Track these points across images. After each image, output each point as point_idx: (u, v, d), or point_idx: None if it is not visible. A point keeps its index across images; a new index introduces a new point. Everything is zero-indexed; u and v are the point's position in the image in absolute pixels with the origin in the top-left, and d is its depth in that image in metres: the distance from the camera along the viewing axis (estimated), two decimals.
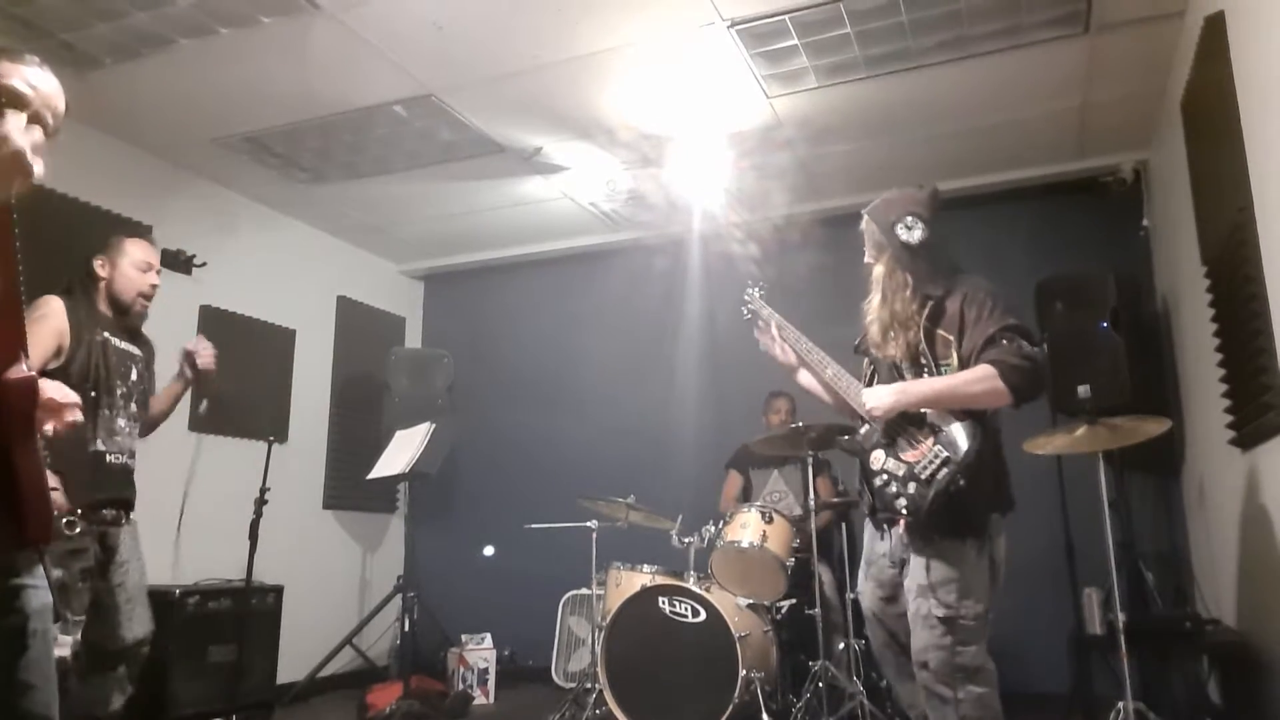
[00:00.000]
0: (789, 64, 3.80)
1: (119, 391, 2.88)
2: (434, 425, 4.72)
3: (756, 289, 3.10)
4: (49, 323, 2.68)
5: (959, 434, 2.37)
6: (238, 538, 3.75)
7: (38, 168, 1.29)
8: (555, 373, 5.96)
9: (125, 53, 3.68)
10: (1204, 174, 3.39)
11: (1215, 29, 2.92)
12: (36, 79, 1.55)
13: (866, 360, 2.73)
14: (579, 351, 5.92)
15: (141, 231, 4.49)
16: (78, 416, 1.63)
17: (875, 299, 2.59)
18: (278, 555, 4.47)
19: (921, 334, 2.48)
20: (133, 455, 2.93)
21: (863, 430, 2.58)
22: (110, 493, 2.82)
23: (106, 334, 2.85)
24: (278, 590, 4.64)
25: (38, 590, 1.55)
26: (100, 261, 2.91)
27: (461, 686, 4.98)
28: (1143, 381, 3.99)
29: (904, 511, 2.39)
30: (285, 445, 5.09)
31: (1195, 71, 3.32)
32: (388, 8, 3.39)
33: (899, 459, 2.45)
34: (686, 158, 4.64)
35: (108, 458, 2.81)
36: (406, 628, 4.64)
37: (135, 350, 2.99)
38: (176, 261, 4.65)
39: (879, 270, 2.59)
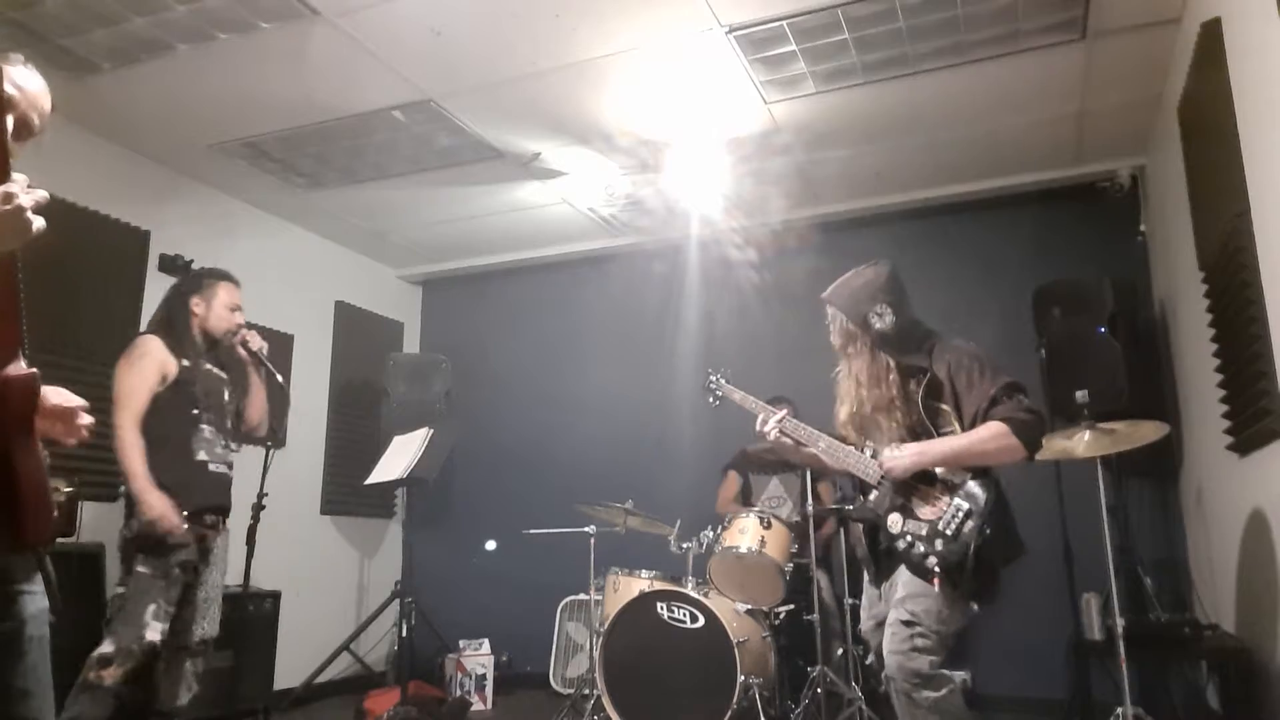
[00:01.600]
0: (787, 70, 3.81)
1: (214, 410, 3.27)
2: (432, 430, 4.71)
3: (720, 375, 3.15)
4: (149, 359, 3.12)
5: (974, 488, 2.43)
6: (235, 543, 3.74)
7: (38, 223, 1.30)
8: (553, 378, 5.96)
9: (123, 58, 3.68)
10: (1201, 180, 3.39)
11: (1211, 35, 2.93)
12: (22, 79, 1.54)
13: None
14: (577, 356, 5.92)
15: (140, 237, 4.51)
16: (86, 420, 1.62)
17: (851, 388, 2.62)
18: (275, 560, 4.45)
19: (921, 409, 2.52)
20: (231, 467, 3.32)
21: (873, 496, 2.59)
22: (212, 499, 3.19)
23: (201, 361, 3.28)
24: (275, 595, 4.63)
25: (34, 595, 1.54)
26: (196, 300, 3.31)
27: (459, 692, 4.97)
28: (1141, 387, 3.99)
29: (937, 570, 2.39)
30: (283, 450, 5.08)
31: (1192, 77, 3.32)
32: (386, 13, 3.39)
33: (917, 519, 2.48)
34: (685, 163, 4.64)
35: (209, 466, 3.18)
36: (404, 633, 4.62)
37: (224, 375, 3.39)
38: (174, 267, 4.64)
39: (857, 362, 2.61)
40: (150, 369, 3.11)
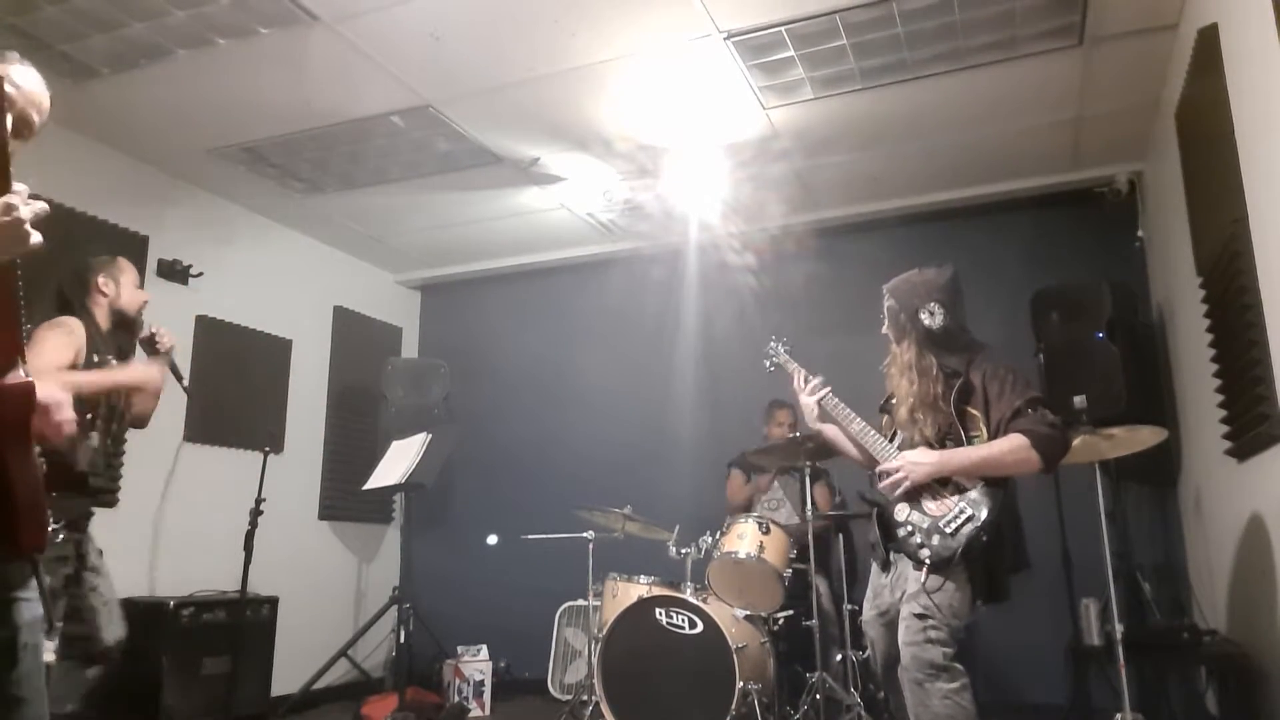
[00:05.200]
0: (785, 75, 3.82)
1: (105, 414, 2.97)
2: (430, 435, 4.71)
3: (781, 343, 3.22)
4: (73, 338, 2.81)
5: (982, 496, 2.54)
6: (233, 548, 3.74)
7: (35, 237, 1.31)
8: (552, 383, 5.95)
9: (123, 63, 3.68)
10: (1198, 185, 3.40)
11: (1208, 41, 2.94)
12: (19, 77, 1.54)
13: (887, 418, 2.85)
14: (576, 361, 5.92)
15: (138, 242, 4.51)
16: (68, 416, 1.60)
17: (903, 382, 2.72)
18: (273, 566, 4.46)
19: (954, 412, 2.62)
20: (115, 480, 3.10)
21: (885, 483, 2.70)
22: (86, 509, 2.94)
23: (110, 358, 2.96)
24: (273, 601, 4.62)
25: (29, 603, 1.53)
26: (104, 279, 3.02)
27: (457, 698, 4.95)
28: (1139, 392, 3.99)
29: (926, 560, 2.52)
30: (281, 456, 5.08)
31: (1189, 83, 3.33)
32: (385, 19, 3.40)
33: (923, 512, 2.60)
34: (683, 168, 4.65)
35: (89, 479, 2.89)
36: (402, 639, 4.62)
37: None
38: (173, 272, 4.65)
39: (907, 356, 2.72)
40: (68, 349, 2.80)
